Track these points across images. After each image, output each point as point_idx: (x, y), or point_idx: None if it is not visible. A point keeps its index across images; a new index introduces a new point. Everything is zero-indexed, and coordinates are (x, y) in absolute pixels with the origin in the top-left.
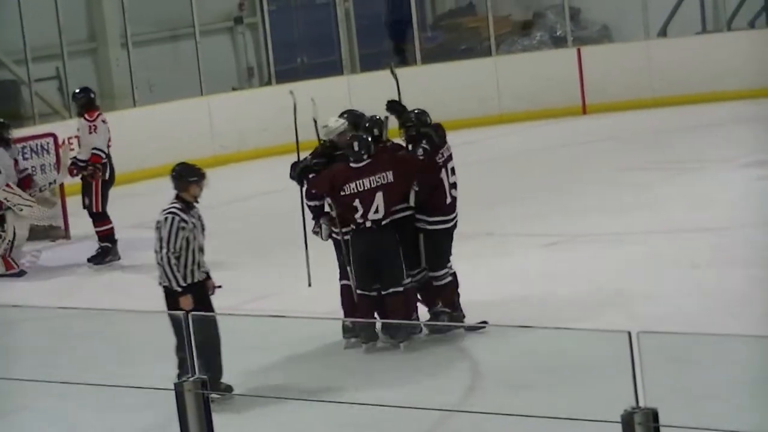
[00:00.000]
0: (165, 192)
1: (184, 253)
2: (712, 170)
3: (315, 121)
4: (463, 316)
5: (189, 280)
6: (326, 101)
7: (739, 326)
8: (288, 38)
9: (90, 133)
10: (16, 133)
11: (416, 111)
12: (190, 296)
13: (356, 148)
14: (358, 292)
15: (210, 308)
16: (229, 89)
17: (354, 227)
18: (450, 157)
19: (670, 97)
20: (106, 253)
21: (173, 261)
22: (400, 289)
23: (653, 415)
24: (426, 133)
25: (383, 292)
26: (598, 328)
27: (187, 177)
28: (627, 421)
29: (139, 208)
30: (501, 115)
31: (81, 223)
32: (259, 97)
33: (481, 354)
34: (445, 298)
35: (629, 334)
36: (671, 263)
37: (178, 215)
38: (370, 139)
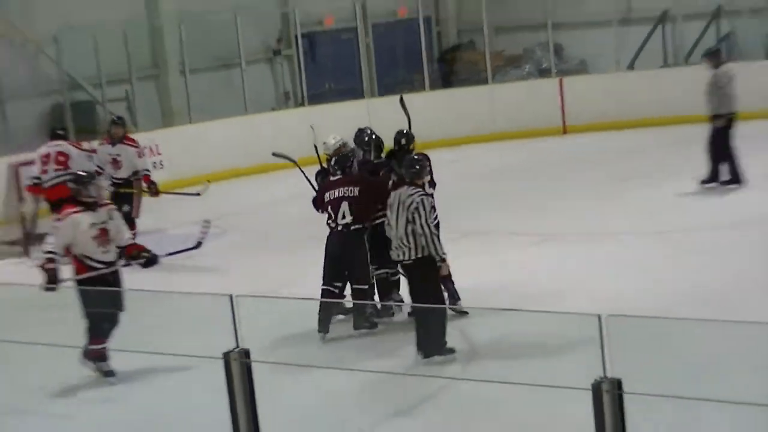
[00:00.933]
0: (213, 195)
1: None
2: (673, 182)
3: (315, 147)
4: (458, 299)
5: None
6: (349, 120)
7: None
8: (318, 68)
9: (140, 156)
10: (92, 145)
11: (404, 132)
12: None
13: (333, 164)
14: (322, 286)
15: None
16: (269, 109)
17: (330, 229)
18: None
19: (637, 120)
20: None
21: (435, 233)
22: (365, 287)
23: (618, 384)
24: (388, 164)
25: (352, 287)
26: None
27: (426, 167)
28: (596, 389)
29: (196, 208)
30: (495, 134)
31: (145, 219)
32: (293, 116)
33: (475, 333)
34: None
35: (599, 317)
36: (639, 260)
37: (428, 196)
38: (361, 156)
